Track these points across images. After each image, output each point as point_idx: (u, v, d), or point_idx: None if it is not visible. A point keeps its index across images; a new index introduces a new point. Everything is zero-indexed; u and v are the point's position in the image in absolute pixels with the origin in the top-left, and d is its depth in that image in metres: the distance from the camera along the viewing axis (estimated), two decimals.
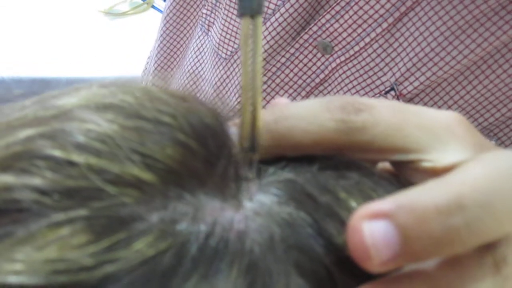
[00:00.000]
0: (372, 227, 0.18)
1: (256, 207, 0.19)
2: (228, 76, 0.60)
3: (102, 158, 0.18)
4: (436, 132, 0.22)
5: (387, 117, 0.22)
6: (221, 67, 0.60)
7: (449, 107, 0.52)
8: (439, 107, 0.52)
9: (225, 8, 0.58)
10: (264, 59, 0.57)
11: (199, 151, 0.20)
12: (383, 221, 0.18)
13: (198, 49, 0.64)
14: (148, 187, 0.18)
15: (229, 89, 0.60)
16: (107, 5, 1.53)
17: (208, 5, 0.62)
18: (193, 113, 0.20)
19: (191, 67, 0.64)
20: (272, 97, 0.58)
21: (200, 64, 0.64)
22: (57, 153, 0.18)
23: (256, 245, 0.18)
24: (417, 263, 0.19)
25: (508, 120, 0.52)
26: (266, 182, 0.20)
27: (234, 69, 0.59)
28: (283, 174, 0.21)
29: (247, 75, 0.21)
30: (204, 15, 0.63)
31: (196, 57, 0.64)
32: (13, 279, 0.16)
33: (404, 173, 0.23)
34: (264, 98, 0.58)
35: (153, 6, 1.55)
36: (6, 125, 0.20)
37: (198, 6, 0.64)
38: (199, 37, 0.64)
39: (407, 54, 0.51)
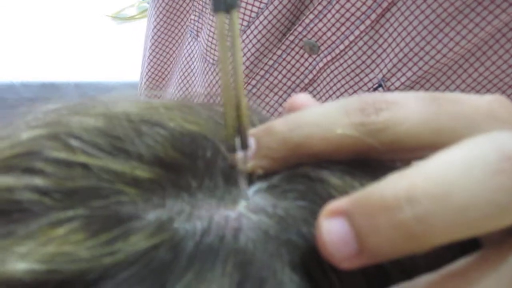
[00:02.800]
0: (330, 225, 0.18)
1: (252, 205, 0.19)
2: (217, 82, 0.60)
3: (101, 158, 0.19)
4: (475, 119, 0.20)
5: (414, 111, 0.20)
6: (209, 73, 0.60)
7: None
8: None
9: (210, 14, 0.58)
10: (252, 62, 0.57)
11: (197, 153, 0.20)
12: (339, 218, 0.18)
13: (189, 55, 0.64)
14: (146, 186, 0.19)
15: (219, 94, 0.60)
16: (115, 10, 1.54)
17: (196, 11, 0.62)
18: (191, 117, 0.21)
19: (183, 73, 0.65)
20: (263, 100, 0.58)
21: (192, 70, 0.64)
22: (57, 154, 0.19)
23: (251, 241, 0.18)
24: (384, 260, 0.18)
25: None
26: (264, 181, 0.21)
27: None
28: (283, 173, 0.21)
29: (227, 74, 0.21)
30: (192, 21, 0.63)
31: (187, 63, 0.64)
32: (21, 266, 0.16)
33: None
34: (255, 102, 0.58)
35: None
36: (13, 128, 0.21)
37: (187, 12, 0.64)
38: (189, 43, 0.64)
39: (393, 50, 0.50)
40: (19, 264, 0.16)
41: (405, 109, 0.20)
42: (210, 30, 0.59)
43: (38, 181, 0.18)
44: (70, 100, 0.23)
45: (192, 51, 0.64)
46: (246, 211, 0.19)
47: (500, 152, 0.17)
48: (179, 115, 0.21)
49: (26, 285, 0.16)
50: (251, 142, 0.21)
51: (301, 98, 0.24)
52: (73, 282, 0.17)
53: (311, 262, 0.18)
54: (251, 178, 0.20)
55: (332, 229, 0.17)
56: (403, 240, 0.17)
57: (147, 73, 0.68)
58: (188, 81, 0.65)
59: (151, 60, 0.68)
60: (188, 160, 0.20)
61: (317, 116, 0.21)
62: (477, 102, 0.21)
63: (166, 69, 0.68)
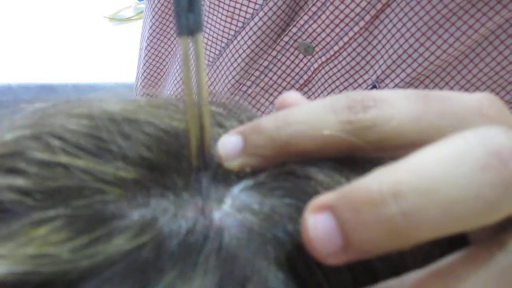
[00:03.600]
0: (316, 220, 0.17)
1: (238, 203, 0.19)
2: (212, 82, 0.60)
3: (83, 159, 0.19)
4: (464, 117, 0.20)
5: (403, 109, 0.20)
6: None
7: None
8: None
9: (205, 15, 0.58)
10: (247, 63, 0.57)
11: (182, 153, 0.20)
12: (325, 213, 0.17)
13: None
14: (130, 186, 0.19)
15: (214, 94, 0.60)
16: (112, 11, 1.54)
17: None
18: (176, 118, 0.21)
19: (177, 76, 0.65)
20: (258, 101, 0.58)
21: None
22: (40, 154, 0.19)
23: (235, 239, 0.18)
24: (370, 256, 0.18)
25: None
26: (250, 179, 0.21)
27: (218, 73, 0.59)
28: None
29: (190, 94, 0.21)
30: None
31: None
32: (1, 268, 0.16)
33: None
34: (250, 103, 0.58)
35: None
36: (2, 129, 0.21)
37: None
38: None
39: (387, 51, 0.51)
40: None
41: (393, 106, 0.20)
42: (204, 31, 0.59)
43: (19, 181, 0.18)
44: (60, 100, 0.23)
45: None
46: (232, 209, 0.19)
47: (488, 147, 0.17)
48: (164, 113, 0.21)
49: (6, 286, 0.16)
50: (239, 139, 0.21)
51: (292, 96, 0.24)
52: (54, 282, 0.17)
53: (297, 259, 0.18)
54: (238, 175, 0.20)
55: (318, 224, 0.17)
56: (389, 235, 0.17)
57: (142, 74, 0.68)
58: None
59: (147, 61, 0.68)
60: (173, 159, 0.20)
61: (305, 114, 0.21)
62: (466, 100, 0.21)
63: (162, 70, 0.68)
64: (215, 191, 0.20)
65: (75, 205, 0.18)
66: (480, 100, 0.21)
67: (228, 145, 0.21)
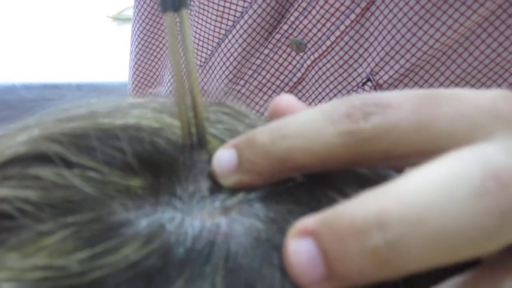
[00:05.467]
0: (298, 245, 0.17)
1: (244, 209, 0.19)
2: (206, 83, 0.59)
3: (92, 169, 0.19)
4: (477, 120, 0.18)
5: (408, 113, 0.18)
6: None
7: None
8: None
9: (195, 15, 0.57)
10: (239, 62, 0.56)
11: (189, 160, 0.20)
12: (308, 239, 0.16)
13: None
14: (138, 195, 0.19)
15: (208, 95, 0.59)
16: (115, 11, 1.54)
17: None
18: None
19: (171, 78, 0.64)
20: (252, 100, 0.57)
21: None
22: (47, 166, 0.19)
23: (241, 247, 0.18)
24: (358, 285, 0.17)
25: None
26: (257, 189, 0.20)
27: (210, 74, 0.59)
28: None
29: (179, 73, 0.20)
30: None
31: None
32: (8, 285, 0.16)
33: None
34: (244, 102, 0.57)
35: None
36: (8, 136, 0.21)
37: None
38: None
39: (379, 43, 0.50)
40: (4, 275, 0.17)
41: (397, 111, 0.18)
42: (195, 32, 0.58)
43: (29, 192, 0.18)
44: (69, 102, 0.23)
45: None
46: (238, 216, 0.19)
47: (485, 169, 0.16)
48: (169, 121, 0.21)
49: None
50: (233, 154, 0.20)
51: (285, 100, 0.22)
52: None
53: None
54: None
55: (300, 250, 0.17)
56: (374, 266, 0.16)
57: (133, 76, 0.68)
58: None
59: (138, 66, 0.67)
60: (180, 166, 0.20)
61: (301, 126, 0.19)
62: (479, 99, 0.19)
63: (153, 75, 0.67)
64: (222, 197, 0.19)
65: (84, 215, 0.18)
66: (494, 99, 0.19)
67: (223, 161, 0.20)
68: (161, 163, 0.20)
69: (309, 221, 0.17)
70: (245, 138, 0.20)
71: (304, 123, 0.19)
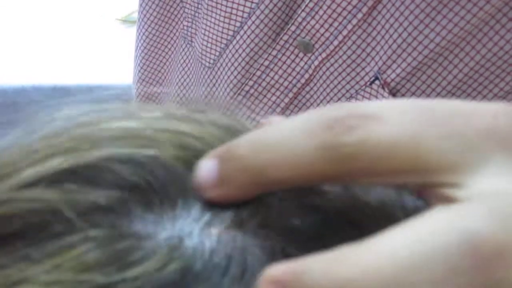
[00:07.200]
0: None
1: (259, 221, 0.19)
2: (214, 84, 0.59)
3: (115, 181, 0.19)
4: (472, 140, 0.17)
5: (396, 128, 0.17)
6: (206, 76, 0.60)
7: (438, 94, 0.50)
8: (428, 95, 0.50)
9: (203, 17, 0.58)
10: (247, 63, 0.56)
11: None
12: None
13: (184, 61, 0.64)
14: (157, 207, 0.19)
15: (216, 96, 0.60)
16: (124, 13, 1.55)
17: (188, 17, 0.62)
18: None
19: (179, 80, 0.65)
20: (260, 101, 0.57)
21: (188, 76, 0.64)
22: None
23: (258, 260, 0.18)
24: None
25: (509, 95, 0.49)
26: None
27: (219, 76, 0.59)
28: None
29: None
30: (185, 27, 0.63)
31: (183, 69, 0.64)
32: None
33: (429, 200, 0.18)
34: (253, 103, 0.57)
35: None
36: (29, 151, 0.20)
37: (179, 19, 0.64)
38: (183, 49, 0.64)
39: (386, 42, 0.50)
40: None
41: (385, 125, 0.17)
42: (204, 34, 0.58)
43: (53, 203, 0.18)
44: (81, 104, 0.22)
45: (187, 57, 0.64)
46: (254, 228, 0.19)
47: (465, 243, 0.15)
48: (187, 127, 0.21)
49: None
50: (214, 166, 0.19)
51: (275, 120, 0.21)
52: None
53: None
54: None
55: None
56: None
57: (139, 80, 0.68)
58: (185, 87, 0.64)
59: (144, 71, 0.68)
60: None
61: (280, 138, 0.18)
62: (478, 117, 0.17)
63: (159, 79, 0.67)
64: (234, 211, 0.19)
65: (106, 228, 0.18)
66: (495, 114, 0.17)
67: (204, 172, 0.19)
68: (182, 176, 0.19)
69: (278, 270, 0.16)
70: (225, 149, 0.19)
71: (284, 135, 0.18)
